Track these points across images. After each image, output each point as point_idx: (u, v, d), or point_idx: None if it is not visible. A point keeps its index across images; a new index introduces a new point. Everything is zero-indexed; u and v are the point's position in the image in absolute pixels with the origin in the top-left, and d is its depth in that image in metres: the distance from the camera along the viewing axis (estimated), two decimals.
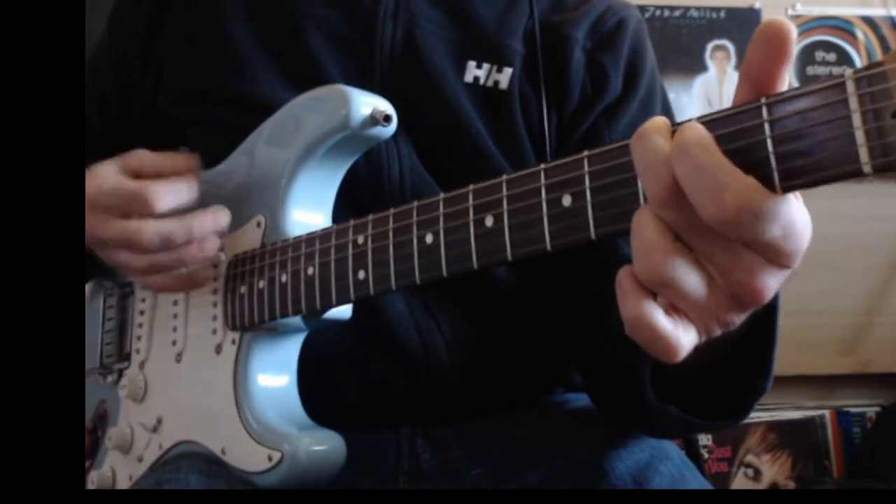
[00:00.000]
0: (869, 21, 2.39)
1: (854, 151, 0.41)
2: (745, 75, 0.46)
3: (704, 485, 0.78)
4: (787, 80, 0.45)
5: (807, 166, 0.43)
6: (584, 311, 0.82)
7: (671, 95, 0.96)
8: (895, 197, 2.32)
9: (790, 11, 2.38)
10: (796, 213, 0.45)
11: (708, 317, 0.48)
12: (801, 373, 2.22)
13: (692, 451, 1.14)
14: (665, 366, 0.63)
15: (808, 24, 2.38)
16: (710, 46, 2.35)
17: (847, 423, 2.28)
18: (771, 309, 0.60)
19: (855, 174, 0.41)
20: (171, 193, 0.76)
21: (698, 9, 2.35)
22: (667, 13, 2.34)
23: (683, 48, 2.34)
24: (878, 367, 2.30)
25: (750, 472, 2.25)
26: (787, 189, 0.44)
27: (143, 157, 0.80)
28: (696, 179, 0.44)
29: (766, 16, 2.33)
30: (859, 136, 0.41)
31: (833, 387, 2.33)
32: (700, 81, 2.34)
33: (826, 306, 2.26)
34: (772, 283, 0.47)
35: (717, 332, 0.50)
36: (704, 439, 2.20)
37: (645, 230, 0.47)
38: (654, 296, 0.48)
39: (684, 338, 0.48)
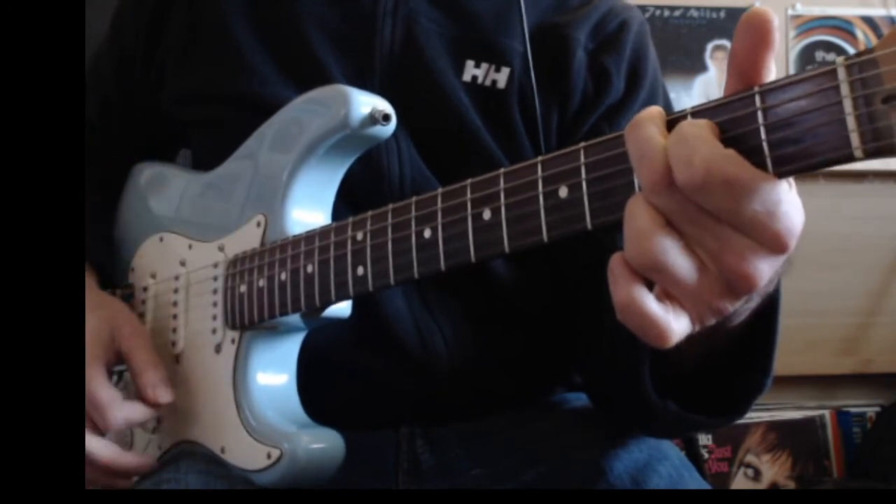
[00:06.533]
0: (869, 21, 2.39)
1: (845, 137, 0.41)
2: (731, 66, 0.46)
3: (702, 485, 0.78)
4: (774, 68, 0.46)
5: (800, 152, 0.43)
6: (582, 307, 0.82)
7: (671, 95, 0.96)
8: (895, 197, 2.33)
9: (790, 11, 2.38)
10: (783, 194, 0.45)
11: (700, 303, 0.49)
12: (801, 373, 2.22)
13: (692, 451, 1.14)
14: (664, 363, 0.63)
15: (808, 24, 2.38)
16: (710, 46, 2.35)
17: (847, 423, 2.29)
18: (772, 305, 0.60)
19: (846, 159, 0.42)
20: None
21: (698, 9, 2.35)
22: (667, 13, 2.35)
23: (683, 48, 2.34)
24: (878, 367, 2.30)
25: (750, 472, 2.25)
26: (780, 175, 0.44)
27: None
28: (676, 149, 0.45)
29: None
30: (850, 122, 0.41)
31: (833, 387, 2.33)
32: (700, 81, 2.34)
33: (826, 306, 2.26)
34: (763, 268, 0.47)
35: (711, 319, 0.50)
36: (704, 439, 2.20)
37: (637, 216, 0.47)
38: (645, 281, 0.48)
39: (675, 324, 0.48)
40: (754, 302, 0.56)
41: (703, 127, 0.45)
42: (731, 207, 0.45)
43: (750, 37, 0.45)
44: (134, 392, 0.85)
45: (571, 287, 0.85)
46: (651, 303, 0.48)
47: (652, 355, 0.67)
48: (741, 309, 0.54)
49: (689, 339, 0.50)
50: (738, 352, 0.62)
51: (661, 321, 0.48)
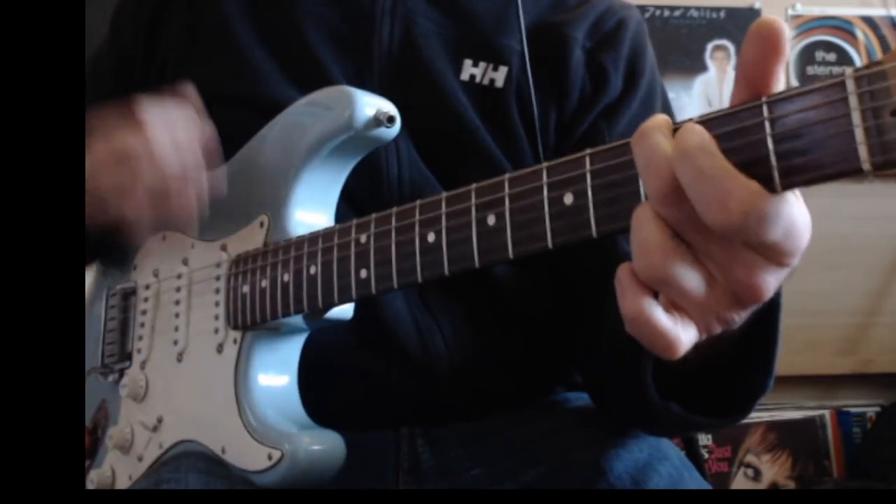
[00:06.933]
0: (869, 21, 2.39)
1: (853, 149, 0.41)
2: (740, 75, 0.46)
3: (703, 485, 0.78)
4: (783, 78, 0.45)
5: (807, 164, 0.43)
6: (584, 309, 0.82)
7: (671, 95, 0.96)
8: (895, 197, 2.33)
9: (790, 11, 2.38)
10: (797, 213, 0.45)
11: (708, 314, 0.49)
12: (801, 373, 2.22)
13: (692, 451, 1.13)
14: (667, 364, 0.64)
15: (808, 24, 2.38)
16: (710, 46, 2.35)
17: (847, 423, 2.29)
18: (773, 307, 0.60)
19: (854, 172, 0.42)
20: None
21: (698, 9, 2.35)
22: (667, 13, 2.35)
23: (683, 48, 2.34)
24: (878, 367, 2.30)
25: (750, 472, 2.25)
26: (786, 187, 0.44)
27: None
28: (701, 186, 0.44)
29: (766, 15, 2.34)
30: (858, 134, 0.41)
31: (833, 387, 2.33)
32: (700, 81, 2.34)
33: (826, 306, 2.26)
34: (771, 281, 0.47)
35: (718, 329, 0.50)
36: (704, 439, 2.20)
37: (644, 228, 0.47)
38: (653, 292, 0.48)
39: (684, 335, 0.48)
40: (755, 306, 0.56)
41: (718, 157, 0.44)
42: (756, 238, 0.44)
43: (760, 46, 0.44)
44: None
45: (572, 289, 0.85)
46: (659, 315, 0.48)
47: (654, 358, 0.67)
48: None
49: (695, 346, 0.50)
50: (740, 354, 0.62)
51: (670, 333, 0.48)
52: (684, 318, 0.49)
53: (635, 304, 0.48)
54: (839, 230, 2.23)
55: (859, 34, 2.39)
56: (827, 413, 2.29)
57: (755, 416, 2.26)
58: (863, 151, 0.41)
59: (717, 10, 2.36)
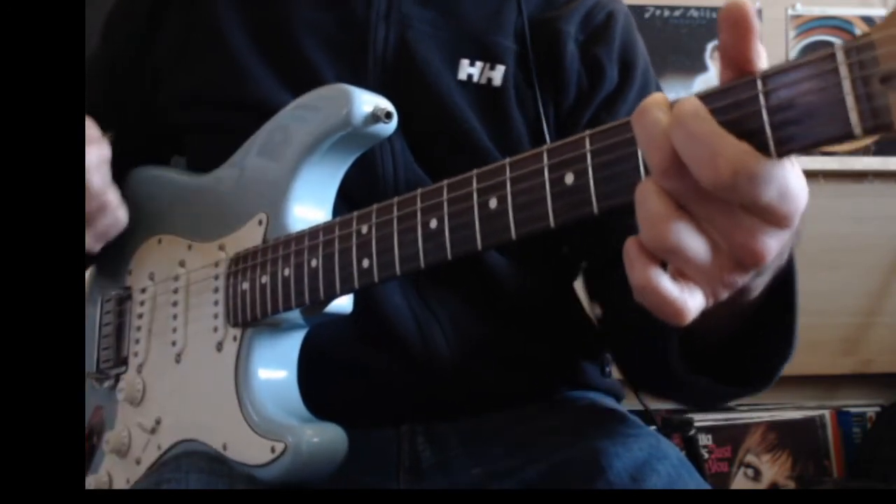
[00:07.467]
0: (869, 21, 2.39)
1: (845, 116, 0.43)
2: (722, 58, 0.48)
3: (702, 485, 0.78)
4: (763, 51, 0.47)
5: (800, 132, 0.45)
6: (608, 295, 0.84)
7: (671, 95, 0.98)
8: (895, 197, 2.33)
9: (790, 11, 2.38)
10: (791, 176, 0.46)
11: (713, 280, 0.50)
12: (801, 373, 2.22)
13: (692, 451, 1.14)
14: (693, 339, 0.65)
15: (808, 24, 2.38)
16: (710, 46, 2.35)
17: (847, 423, 2.28)
18: (787, 278, 0.61)
19: (846, 137, 0.43)
20: None
21: (698, 9, 2.35)
22: (667, 13, 2.35)
23: (683, 48, 2.34)
24: (878, 367, 2.30)
25: (750, 472, 2.25)
26: (782, 154, 0.46)
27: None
28: (692, 148, 0.46)
29: (767, 15, 2.33)
30: (849, 102, 0.43)
31: (833, 387, 2.33)
32: (700, 81, 2.34)
33: (826, 306, 2.26)
34: (772, 244, 0.48)
35: (724, 294, 0.52)
36: (704, 439, 2.20)
37: (649, 201, 0.48)
38: (660, 263, 0.50)
39: (691, 301, 0.50)
40: (768, 276, 0.58)
41: (709, 121, 0.46)
42: (750, 198, 0.46)
43: (732, 29, 0.46)
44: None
45: (571, 279, 0.86)
46: (667, 283, 0.50)
47: (679, 334, 0.68)
48: (754, 284, 0.56)
49: (708, 314, 0.52)
50: (761, 322, 0.64)
51: (678, 300, 0.50)
52: (691, 286, 0.50)
53: (644, 274, 0.49)
54: (839, 230, 2.23)
55: (859, 34, 2.39)
56: (827, 413, 2.28)
57: (755, 416, 2.26)
58: (854, 117, 0.43)
59: (717, 10, 2.36)
